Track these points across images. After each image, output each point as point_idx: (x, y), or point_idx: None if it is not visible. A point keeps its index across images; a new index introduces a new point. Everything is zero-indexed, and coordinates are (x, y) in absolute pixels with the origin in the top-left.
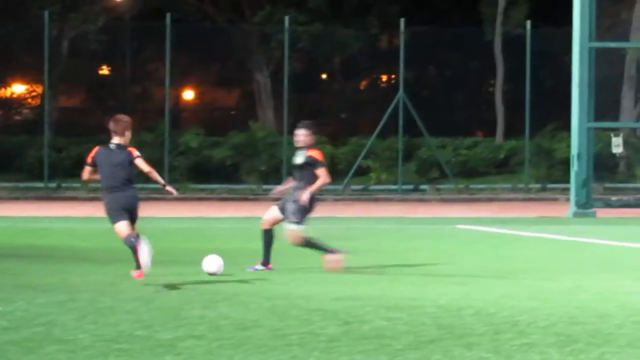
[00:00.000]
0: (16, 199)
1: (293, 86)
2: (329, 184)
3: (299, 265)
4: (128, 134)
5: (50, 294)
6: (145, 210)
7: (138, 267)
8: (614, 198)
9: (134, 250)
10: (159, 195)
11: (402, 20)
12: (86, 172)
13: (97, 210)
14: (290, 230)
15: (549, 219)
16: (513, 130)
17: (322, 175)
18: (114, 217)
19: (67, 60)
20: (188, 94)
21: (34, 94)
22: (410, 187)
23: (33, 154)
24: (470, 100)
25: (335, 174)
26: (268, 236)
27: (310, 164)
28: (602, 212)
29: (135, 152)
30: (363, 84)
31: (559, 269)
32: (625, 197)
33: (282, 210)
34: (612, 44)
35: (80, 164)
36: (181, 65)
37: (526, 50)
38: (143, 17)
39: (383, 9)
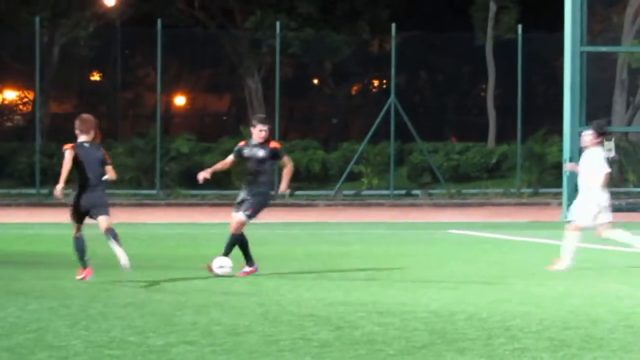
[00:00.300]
0: (8, 205)
1: (284, 91)
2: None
3: (291, 271)
4: (93, 133)
5: (42, 300)
6: (137, 216)
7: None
8: None
9: (81, 251)
10: (151, 202)
11: (393, 25)
12: (68, 170)
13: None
14: (239, 219)
15: (541, 223)
16: (505, 134)
17: (290, 161)
18: (76, 216)
19: (58, 66)
20: (179, 100)
21: (25, 100)
22: (402, 192)
23: (24, 160)
24: (462, 105)
25: (327, 179)
26: (242, 239)
27: (276, 156)
28: None
29: (109, 157)
30: (354, 89)
31: (551, 273)
32: (617, 202)
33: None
34: (604, 48)
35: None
36: (172, 71)
37: (517, 54)
38: (134, 22)
39: (374, 14)
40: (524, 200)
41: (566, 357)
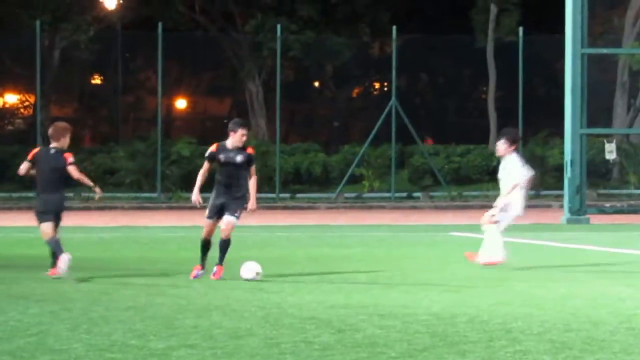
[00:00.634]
0: (9, 209)
1: (285, 94)
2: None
3: (292, 274)
4: (65, 140)
5: (43, 303)
6: (138, 219)
7: (54, 265)
8: (607, 204)
9: (55, 252)
10: (152, 205)
11: (393, 28)
12: (24, 168)
13: (89, 220)
14: (233, 222)
15: (542, 225)
16: None
17: (255, 173)
18: (40, 218)
19: (59, 70)
20: (180, 103)
21: (26, 104)
22: (403, 194)
23: None
24: (463, 107)
25: (328, 182)
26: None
27: (250, 162)
28: (596, 219)
29: (70, 159)
30: (355, 91)
31: (552, 275)
32: (618, 204)
33: (219, 212)
34: (604, 51)
35: None
36: (173, 74)
37: (518, 57)
38: (134, 26)
39: (374, 16)
40: (525, 203)
41: (567, 359)
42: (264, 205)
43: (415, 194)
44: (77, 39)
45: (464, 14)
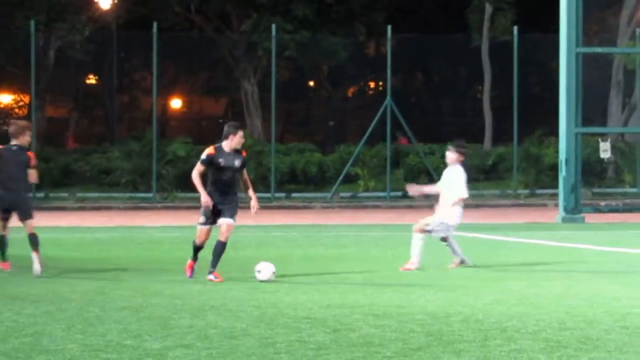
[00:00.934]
0: None
1: (280, 94)
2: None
3: (287, 273)
4: (24, 138)
5: (39, 304)
6: (134, 220)
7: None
8: (602, 203)
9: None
10: (147, 205)
11: (388, 28)
12: None
13: (85, 220)
14: (233, 225)
15: (537, 224)
16: (501, 136)
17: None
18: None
19: (54, 70)
20: (175, 103)
21: (20, 104)
22: (399, 194)
23: None
24: (458, 106)
25: (324, 181)
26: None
27: (244, 165)
28: (591, 218)
29: (34, 161)
30: (350, 91)
31: (547, 274)
32: (613, 203)
33: (215, 217)
34: (599, 50)
35: (68, 173)
36: (168, 74)
37: (513, 56)
38: (130, 26)
39: (369, 16)
40: (520, 202)
41: (562, 358)
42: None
43: (411, 194)
44: (72, 39)
45: (459, 13)
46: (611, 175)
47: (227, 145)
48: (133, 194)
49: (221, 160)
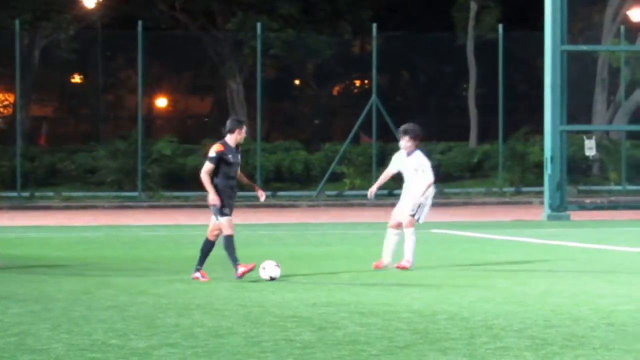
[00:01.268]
0: None
1: (266, 93)
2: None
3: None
4: None
5: (24, 303)
6: (119, 219)
7: None
8: (587, 201)
9: None
10: (133, 204)
11: (374, 26)
12: None
13: (70, 220)
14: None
15: (523, 222)
16: (486, 134)
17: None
18: None
19: (39, 69)
20: (161, 102)
21: (5, 103)
22: (385, 192)
23: (6, 164)
24: (444, 104)
25: (309, 180)
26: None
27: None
28: (576, 215)
29: None
30: (336, 89)
31: (533, 272)
32: (599, 200)
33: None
34: (584, 47)
35: (53, 172)
36: (154, 72)
37: (498, 54)
38: (115, 25)
39: (355, 14)
40: (506, 200)
41: (548, 355)
42: (246, 203)
43: (396, 192)
44: (57, 38)
45: (445, 11)
46: (596, 173)
47: (233, 140)
48: (119, 193)
49: (230, 156)
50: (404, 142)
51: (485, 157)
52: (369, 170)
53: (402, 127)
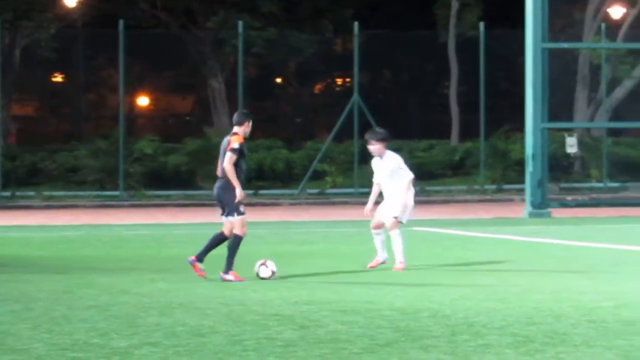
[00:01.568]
0: None
1: (248, 91)
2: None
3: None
4: None
5: (4, 303)
6: (101, 218)
7: None
8: (569, 198)
9: None
10: (115, 203)
11: (355, 24)
12: None
13: (51, 219)
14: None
15: (504, 219)
16: (468, 132)
17: None
18: None
19: (20, 68)
20: (142, 101)
21: None
22: (367, 190)
23: None
24: (425, 102)
25: (291, 178)
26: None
27: None
28: (558, 212)
29: None
30: (318, 88)
31: (514, 269)
32: (580, 197)
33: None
34: (565, 45)
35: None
36: (135, 71)
37: (480, 52)
38: (96, 24)
39: (337, 12)
40: (487, 197)
41: (529, 352)
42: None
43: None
44: (38, 37)
45: (427, 9)
46: (578, 170)
47: (242, 132)
48: (100, 192)
49: (244, 149)
50: (373, 147)
51: (467, 154)
52: (351, 169)
53: (367, 135)
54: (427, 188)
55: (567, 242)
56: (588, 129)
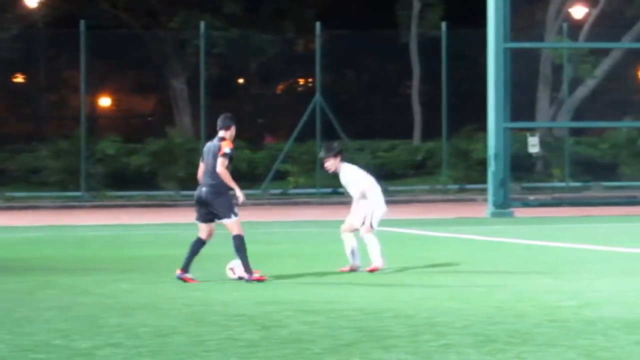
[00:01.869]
0: None
1: (210, 92)
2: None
3: (218, 271)
4: None
5: None
6: (63, 219)
7: None
8: (531, 198)
9: None
10: (77, 204)
11: (317, 24)
12: None
13: (13, 220)
14: None
15: (467, 219)
16: (430, 131)
17: None
18: None
19: None
20: (104, 101)
21: None
22: (329, 190)
23: None
24: (388, 102)
25: (254, 178)
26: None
27: None
28: (520, 212)
29: None
30: (280, 88)
31: (477, 269)
32: (542, 197)
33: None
34: (527, 45)
35: None
36: (97, 72)
37: (442, 51)
38: (57, 24)
39: (299, 13)
40: (450, 197)
41: (492, 352)
42: (190, 203)
43: (341, 190)
44: None
45: (389, 9)
46: (540, 170)
47: (229, 136)
48: (62, 193)
49: (234, 152)
50: (327, 164)
51: (430, 154)
52: (313, 169)
53: (320, 154)
54: (390, 188)
55: (529, 241)
56: (550, 129)
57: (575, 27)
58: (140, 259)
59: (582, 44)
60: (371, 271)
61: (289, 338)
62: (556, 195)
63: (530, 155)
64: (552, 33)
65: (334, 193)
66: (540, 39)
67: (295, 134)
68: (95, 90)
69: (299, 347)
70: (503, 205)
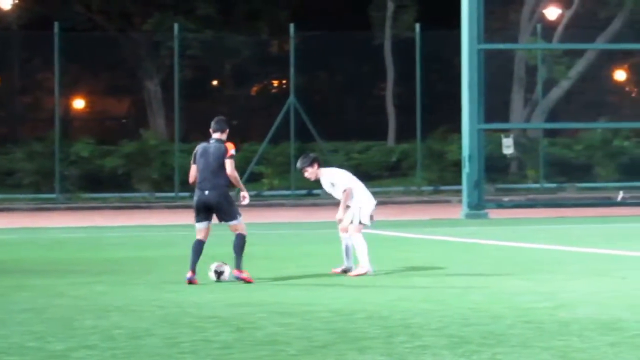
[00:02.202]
0: None
1: (184, 93)
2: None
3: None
4: None
5: None
6: (37, 221)
7: None
8: (505, 199)
9: None
10: (51, 206)
11: (291, 26)
12: None
13: None
14: None
15: (441, 221)
16: (405, 133)
17: None
18: None
19: None
20: (78, 103)
21: None
22: (303, 192)
23: None
24: (362, 104)
25: None
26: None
27: None
28: (494, 213)
29: None
30: (254, 89)
31: (452, 270)
32: (516, 198)
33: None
34: (501, 46)
35: None
36: (71, 74)
37: (416, 53)
38: (32, 26)
39: (273, 14)
40: (424, 198)
41: (466, 353)
42: (164, 204)
43: (316, 191)
44: None
45: (363, 11)
46: (514, 171)
47: (225, 138)
48: (36, 195)
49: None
50: (307, 174)
51: (404, 156)
52: (288, 171)
53: (297, 164)
54: None
55: (504, 243)
56: (524, 130)
57: (549, 28)
58: (114, 261)
59: (556, 45)
60: (356, 275)
61: (263, 340)
62: (530, 196)
63: (504, 156)
64: (526, 34)
65: (309, 195)
66: (514, 40)
67: (269, 135)
68: (69, 92)
69: (274, 348)
70: (477, 207)
